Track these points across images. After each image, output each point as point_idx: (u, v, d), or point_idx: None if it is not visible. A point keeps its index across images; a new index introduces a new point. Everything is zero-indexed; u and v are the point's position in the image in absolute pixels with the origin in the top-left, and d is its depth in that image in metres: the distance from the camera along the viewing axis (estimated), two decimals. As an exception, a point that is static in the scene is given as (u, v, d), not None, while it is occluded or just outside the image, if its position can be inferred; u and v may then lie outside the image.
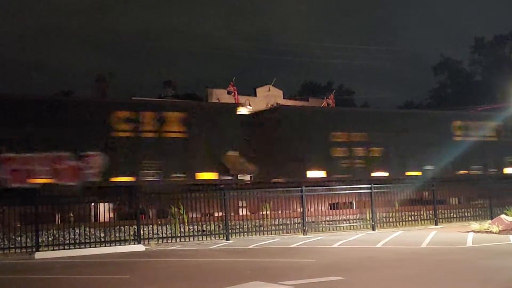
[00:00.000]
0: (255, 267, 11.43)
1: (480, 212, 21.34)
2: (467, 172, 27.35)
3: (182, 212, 18.52)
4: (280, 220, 19.51)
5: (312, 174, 24.21)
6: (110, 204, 18.81)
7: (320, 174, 24.36)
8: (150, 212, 20.07)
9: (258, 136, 24.17)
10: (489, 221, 17.81)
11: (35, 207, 16.09)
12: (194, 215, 18.86)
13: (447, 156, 26.43)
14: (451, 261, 11.52)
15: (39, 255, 14.97)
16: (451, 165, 26.63)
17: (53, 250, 15.72)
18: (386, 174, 25.52)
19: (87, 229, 17.00)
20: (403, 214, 20.40)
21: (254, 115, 26.47)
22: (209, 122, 22.59)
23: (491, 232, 16.26)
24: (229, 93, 36.45)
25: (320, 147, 24.54)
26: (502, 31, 65.99)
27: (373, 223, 19.22)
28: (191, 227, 18.44)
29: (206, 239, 17.47)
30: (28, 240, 16.09)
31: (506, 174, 28.03)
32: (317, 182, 22.88)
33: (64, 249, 15.85)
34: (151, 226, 17.55)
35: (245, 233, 18.03)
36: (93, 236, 16.89)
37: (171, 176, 21.49)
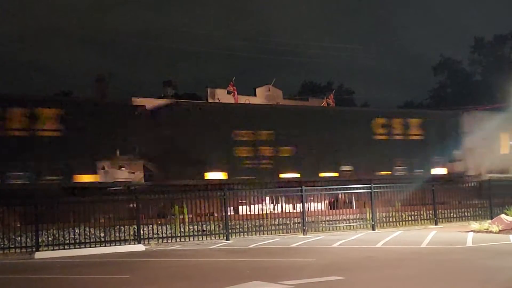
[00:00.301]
0: (255, 267, 11.43)
1: (480, 212, 21.32)
2: (390, 173, 25.97)
3: (184, 212, 18.52)
4: (280, 220, 19.50)
5: (212, 176, 22.93)
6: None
7: (221, 175, 23.03)
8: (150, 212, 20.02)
9: (156, 136, 22.11)
10: (489, 221, 17.81)
11: (34, 207, 16.10)
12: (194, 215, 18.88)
13: (367, 156, 25.17)
14: (451, 261, 11.52)
15: (39, 255, 14.98)
16: (372, 166, 25.45)
17: (53, 250, 15.73)
18: (297, 175, 24.11)
19: (87, 229, 16.99)
20: (403, 214, 20.39)
21: (151, 113, 23.58)
22: (92, 120, 21.14)
23: (491, 231, 16.25)
24: (229, 93, 36.40)
25: (222, 147, 23.11)
26: (502, 31, 65.94)
27: (373, 223, 19.22)
28: (191, 227, 18.43)
29: (206, 239, 17.47)
30: (28, 240, 16.09)
31: (434, 175, 26.40)
32: (220, 184, 21.67)
33: (64, 249, 15.86)
34: (151, 226, 17.56)
35: (245, 233, 18.04)
36: (93, 236, 16.88)
37: (42, 178, 20.11)
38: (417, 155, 26.72)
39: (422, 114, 29.71)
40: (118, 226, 17.29)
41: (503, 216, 17.23)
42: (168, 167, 22.32)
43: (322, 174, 24.57)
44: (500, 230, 16.12)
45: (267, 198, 20.86)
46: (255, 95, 40.42)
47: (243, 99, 36.69)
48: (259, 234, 18.17)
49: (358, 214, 20.35)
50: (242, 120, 24.04)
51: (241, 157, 23.39)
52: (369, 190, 19.65)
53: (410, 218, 20.44)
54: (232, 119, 23.93)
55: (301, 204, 18.72)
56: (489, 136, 27.29)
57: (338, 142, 25.07)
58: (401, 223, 20.05)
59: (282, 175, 23.86)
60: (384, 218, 19.94)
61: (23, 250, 15.77)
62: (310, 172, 24.21)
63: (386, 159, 26.02)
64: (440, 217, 20.81)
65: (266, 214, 19.69)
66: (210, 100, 36.98)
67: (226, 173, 23.12)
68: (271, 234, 18.35)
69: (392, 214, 20.16)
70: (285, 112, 26.25)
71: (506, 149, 27.89)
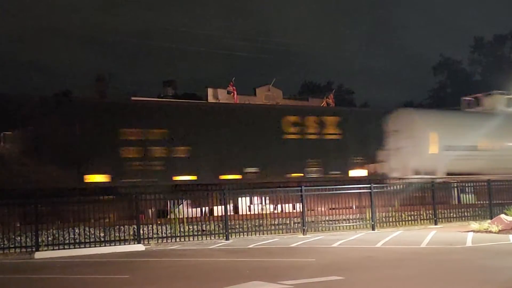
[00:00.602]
0: (254, 267, 11.43)
1: (479, 212, 21.32)
2: (302, 175, 24.40)
3: (182, 212, 18.51)
4: (280, 220, 19.49)
5: (93, 178, 21.35)
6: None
7: (103, 178, 21.38)
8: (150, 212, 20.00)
9: (30, 135, 20.69)
10: (489, 220, 17.81)
11: (34, 207, 16.10)
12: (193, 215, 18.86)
13: (276, 157, 23.57)
14: (450, 261, 11.52)
15: (39, 254, 14.97)
16: (281, 167, 23.90)
17: (53, 250, 15.71)
18: (193, 177, 22.45)
19: (87, 228, 16.99)
20: (402, 214, 20.39)
21: (24, 110, 21.31)
22: None
23: (490, 231, 16.25)
24: (228, 93, 36.44)
25: (105, 147, 21.40)
26: (502, 31, 66.00)
27: (372, 223, 19.22)
28: (190, 227, 18.42)
29: (206, 239, 17.46)
30: (28, 239, 16.09)
31: (353, 177, 25.27)
32: (103, 188, 20.14)
33: (64, 248, 15.84)
34: (150, 225, 17.56)
35: (244, 233, 18.03)
36: (93, 236, 16.88)
37: None
38: (334, 156, 25.28)
39: (340, 112, 27.84)
40: (117, 226, 17.30)
41: (502, 216, 17.24)
42: (38, 168, 20.31)
43: (224, 177, 22.85)
44: (499, 230, 16.12)
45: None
46: (255, 95, 40.51)
47: (243, 99, 36.74)
48: (259, 234, 18.17)
49: (358, 214, 20.33)
50: (130, 117, 22.08)
51: (129, 158, 21.65)
52: (369, 190, 19.65)
53: (409, 218, 20.44)
54: (117, 117, 22.01)
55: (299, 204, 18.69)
56: (417, 135, 25.83)
57: (242, 141, 23.33)
58: (400, 223, 20.04)
59: (176, 178, 22.18)
60: (383, 218, 19.93)
61: (23, 250, 15.76)
62: (209, 174, 22.58)
63: (298, 160, 24.43)
64: (440, 217, 20.80)
65: (266, 214, 19.66)
66: (209, 100, 37.02)
67: (110, 176, 21.40)
68: (271, 234, 18.34)
69: (391, 214, 20.16)
70: (180, 109, 24.26)
71: (435, 149, 25.89)
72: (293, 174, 24.32)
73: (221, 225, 18.07)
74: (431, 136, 25.85)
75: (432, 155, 25.67)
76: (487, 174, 24.62)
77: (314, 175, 24.50)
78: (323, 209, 19.28)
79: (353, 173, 25.79)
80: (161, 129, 22.21)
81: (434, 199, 20.79)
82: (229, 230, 17.65)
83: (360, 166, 26.02)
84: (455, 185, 23.49)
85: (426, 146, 25.67)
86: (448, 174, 25.45)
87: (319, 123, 25.38)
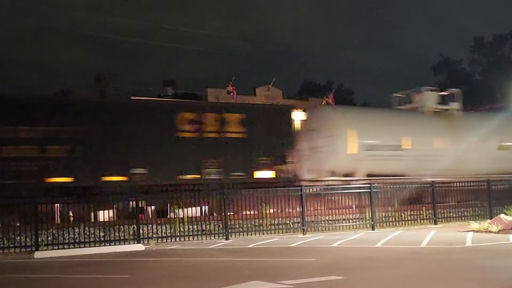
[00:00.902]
0: (254, 267, 11.42)
1: (479, 212, 21.31)
2: (199, 176, 22.48)
3: (182, 211, 18.49)
4: (280, 219, 19.47)
5: None
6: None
7: None
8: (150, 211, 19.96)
9: None
10: (489, 220, 17.80)
11: (34, 207, 16.09)
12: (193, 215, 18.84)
13: (169, 157, 21.77)
14: (450, 261, 11.52)
15: (38, 254, 14.97)
16: (174, 168, 21.99)
17: (53, 249, 15.70)
18: (69, 179, 20.57)
19: (87, 228, 16.98)
20: (402, 213, 20.39)
21: None
22: None
23: (490, 231, 16.25)
24: (228, 92, 36.47)
25: None
26: (502, 31, 65.99)
27: (372, 223, 19.22)
28: (190, 227, 18.40)
29: (206, 239, 17.46)
30: (27, 239, 16.08)
31: (258, 178, 23.29)
32: None
33: (63, 248, 15.83)
34: (150, 225, 17.55)
35: (244, 233, 18.02)
36: (93, 236, 16.86)
37: None
38: (236, 156, 23.21)
39: (244, 108, 25.55)
40: (117, 226, 17.29)
41: (502, 216, 17.23)
42: None
43: (106, 178, 21.04)
44: (499, 230, 16.11)
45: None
46: (254, 94, 40.55)
47: (243, 99, 36.78)
48: (259, 234, 18.16)
49: (358, 214, 20.32)
50: None
51: None
52: (369, 190, 19.66)
53: (409, 218, 20.43)
54: None
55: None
56: (335, 134, 23.82)
57: (129, 140, 21.36)
58: (400, 223, 20.03)
59: (50, 180, 20.26)
60: (383, 218, 19.92)
61: (23, 249, 15.75)
62: (88, 176, 20.69)
63: (195, 160, 22.47)
64: (440, 217, 20.79)
65: (266, 214, 19.65)
66: (209, 100, 37.03)
67: None
68: (271, 234, 18.34)
69: (391, 214, 20.15)
70: (55, 103, 21.94)
71: (355, 148, 23.77)
72: (188, 176, 22.41)
73: (221, 225, 18.07)
74: (350, 135, 23.91)
75: (351, 155, 23.72)
76: (412, 175, 23.35)
77: (213, 177, 22.57)
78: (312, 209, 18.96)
79: (260, 174, 23.58)
80: (31, 127, 20.18)
81: (433, 199, 20.79)
82: (229, 230, 17.65)
83: (268, 167, 23.75)
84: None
85: (344, 145, 23.76)
86: (369, 175, 23.34)
87: (220, 120, 23.25)
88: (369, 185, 19.86)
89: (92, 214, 18.32)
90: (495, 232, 16.02)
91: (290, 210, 19.20)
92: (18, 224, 17.05)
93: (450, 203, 21.63)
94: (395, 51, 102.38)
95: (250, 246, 15.37)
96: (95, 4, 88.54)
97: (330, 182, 22.28)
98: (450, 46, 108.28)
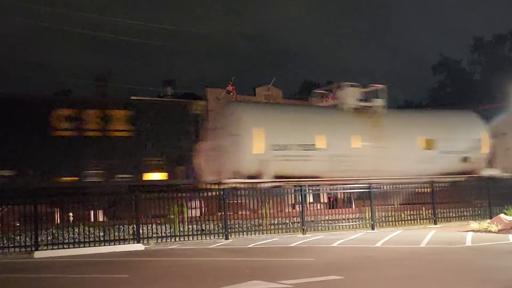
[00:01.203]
0: (254, 266, 11.42)
1: (479, 212, 21.32)
2: (77, 178, 20.94)
3: (184, 211, 18.47)
4: (280, 219, 19.48)
5: None
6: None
7: None
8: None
9: None
10: (488, 220, 17.81)
11: (34, 207, 16.08)
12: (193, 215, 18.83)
13: (42, 157, 20.24)
14: (450, 261, 11.52)
15: (38, 254, 14.97)
16: (49, 170, 20.50)
17: (53, 249, 15.71)
18: None
19: (87, 228, 16.97)
20: (402, 213, 20.40)
21: None
22: None
23: (490, 231, 16.25)
24: (228, 92, 36.46)
25: None
26: (501, 31, 65.98)
27: (372, 222, 19.22)
28: (190, 226, 18.40)
29: (206, 238, 17.46)
30: (27, 239, 16.08)
31: (147, 181, 22.05)
32: None
33: (63, 248, 15.83)
34: (150, 225, 17.54)
35: (244, 233, 18.03)
36: (93, 235, 16.86)
37: None
38: (122, 157, 21.70)
39: (132, 104, 23.62)
40: (117, 226, 17.29)
41: (502, 215, 17.22)
42: None
43: None
44: (499, 230, 16.12)
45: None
46: (254, 94, 40.54)
47: (243, 99, 36.76)
48: (259, 234, 18.17)
49: (358, 214, 20.33)
50: None
51: None
52: (368, 190, 19.66)
53: (409, 218, 20.43)
54: None
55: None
56: (239, 132, 21.79)
57: None
58: (400, 222, 20.05)
59: None
60: (383, 218, 19.93)
61: (22, 249, 15.75)
62: None
63: (73, 161, 20.94)
64: (440, 216, 20.80)
65: (266, 213, 19.65)
66: (209, 100, 37.02)
67: None
68: (271, 233, 18.34)
69: (391, 213, 20.16)
70: None
71: (261, 148, 21.72)
72: (64, 178, 20.91)
73: (220, 225, 18.06)
74: (256, 134, 21.81)
75: (257, 156, 21.63)
76: (328, 177, 22.24)
77: (94, 179, 21.04)
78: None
79: (150, 176, 22.23)
80: None
81: (433, 198, 20.79)
82: (229, 230, 17.66)
83: (160, 168, 22.36)
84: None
85: (250, 145, 21.67)
86: (278, 177, 21.79)
87: (103, 117, 21.70)
88: (368, 185, 19.87)
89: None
90: (495, 232, 16.02)
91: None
92: (18, 224, 17.06)
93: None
94: (395, 51, 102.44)
95: (250, 245, 15.37)
96: (96, 4, 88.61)
97: (232, 185, 20.49)
98: (450, 46, 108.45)
